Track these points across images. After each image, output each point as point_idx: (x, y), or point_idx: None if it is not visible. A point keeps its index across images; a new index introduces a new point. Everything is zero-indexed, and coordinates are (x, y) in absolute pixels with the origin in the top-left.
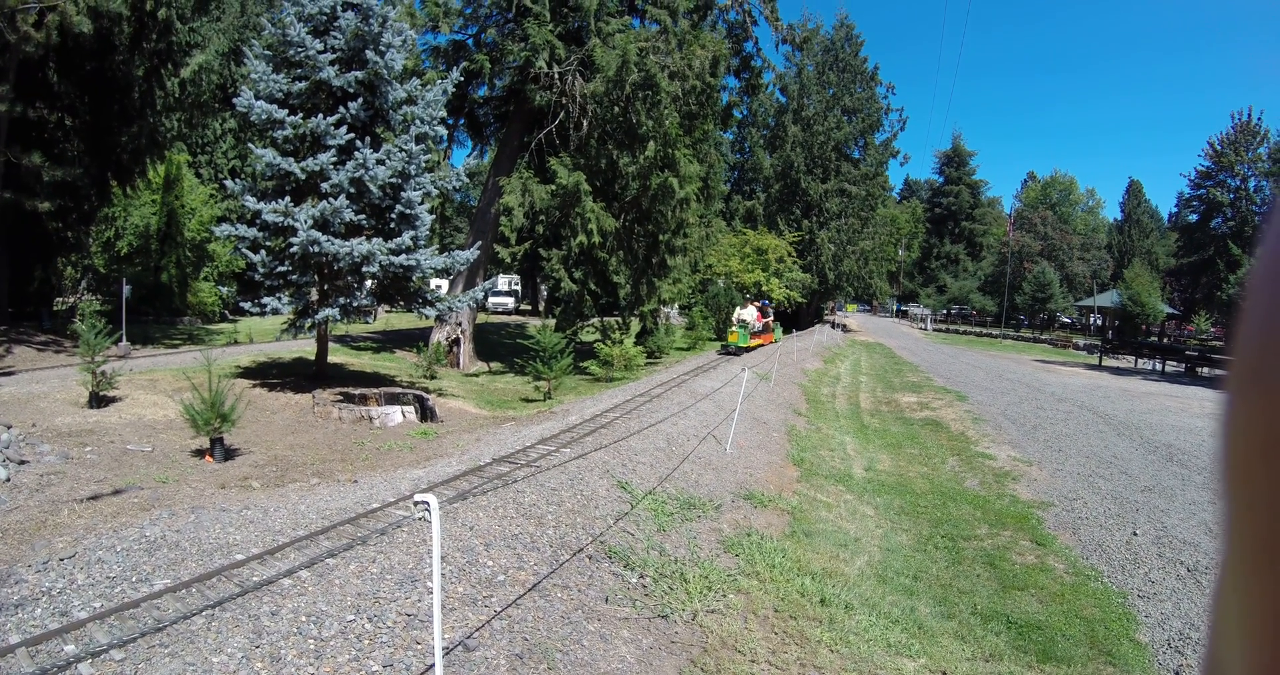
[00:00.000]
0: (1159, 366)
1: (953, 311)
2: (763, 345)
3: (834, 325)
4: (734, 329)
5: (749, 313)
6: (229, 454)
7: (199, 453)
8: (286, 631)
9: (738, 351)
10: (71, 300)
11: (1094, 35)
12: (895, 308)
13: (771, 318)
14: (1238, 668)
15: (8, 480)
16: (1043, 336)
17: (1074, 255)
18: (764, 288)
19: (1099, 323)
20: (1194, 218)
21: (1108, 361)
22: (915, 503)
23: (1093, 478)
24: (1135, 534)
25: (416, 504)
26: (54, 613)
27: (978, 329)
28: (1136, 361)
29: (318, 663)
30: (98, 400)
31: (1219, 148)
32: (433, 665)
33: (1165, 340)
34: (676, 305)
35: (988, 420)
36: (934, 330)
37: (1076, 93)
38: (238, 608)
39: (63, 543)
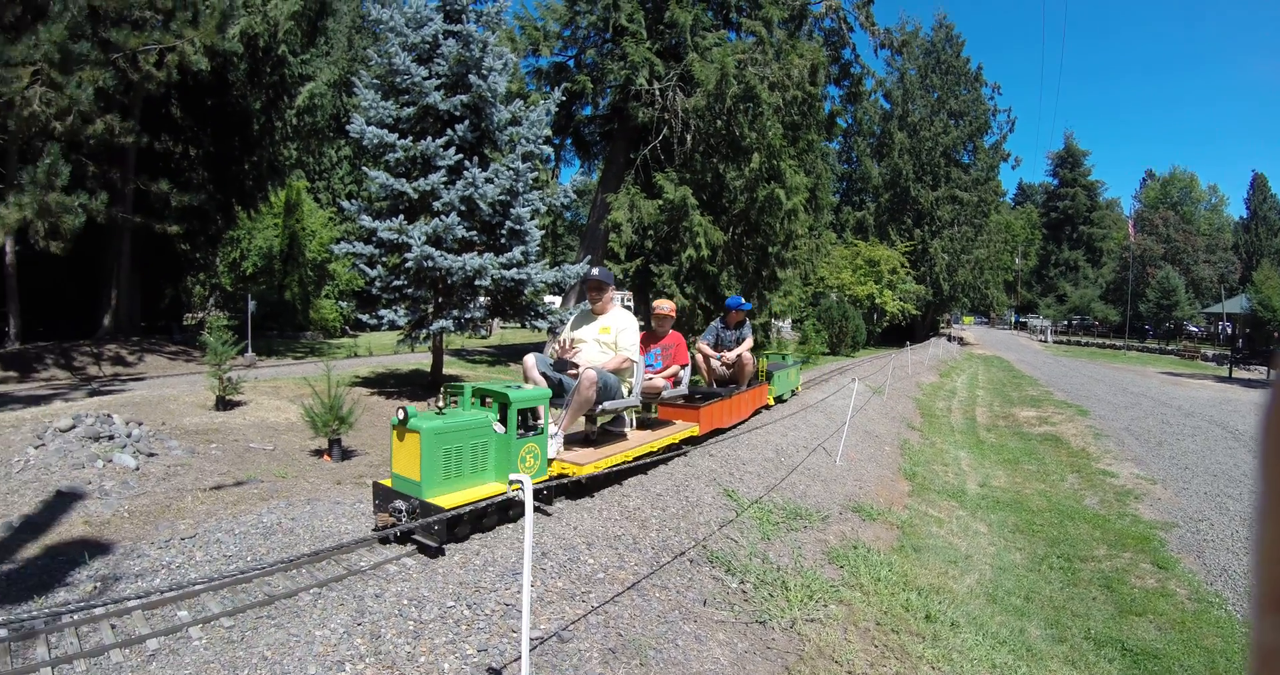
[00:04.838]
0: None
1: (1073, 322)
2: (706, 431)
3: (950, 338)
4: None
5: (594, 332)
6: (346, 454)
7: (317, 453)
8: (388, 613)
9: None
10: (200, 315)
11: (1208, 34)
12: (1013, 319)
13: (749, 341)
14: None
15: (137, 469)
16: (1169, 347)
17: (1199, 258)
18: (877, 300)
19: (1228, 331)
20: None
21: (1238, 373)
22: (1031, 521)
23: (1221, 497)
24: None
25: (511, 483)
26: (171, 583)
27: (1100, 340)
28: (1269, 372)
29: (415, 642)
30: (223, 403)
31: None
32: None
33: None
34: (789, 319)
35: (1110, 436)
36: (1054, 342)
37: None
38: (343, 588)
39: (184, 525)
